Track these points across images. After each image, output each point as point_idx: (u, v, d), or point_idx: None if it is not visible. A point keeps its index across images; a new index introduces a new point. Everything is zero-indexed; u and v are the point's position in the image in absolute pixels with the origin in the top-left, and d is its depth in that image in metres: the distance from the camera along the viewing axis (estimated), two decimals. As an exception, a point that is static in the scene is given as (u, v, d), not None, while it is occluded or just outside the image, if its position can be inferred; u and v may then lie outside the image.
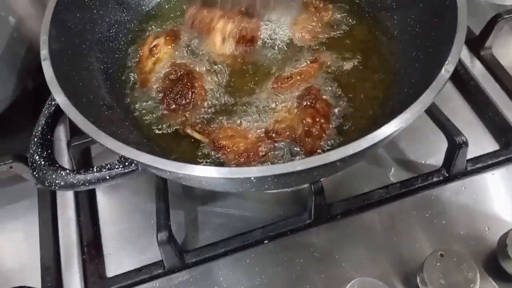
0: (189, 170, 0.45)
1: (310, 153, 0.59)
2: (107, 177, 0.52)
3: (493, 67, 0.78)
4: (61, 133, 0.78)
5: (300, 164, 0.44)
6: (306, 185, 0.65)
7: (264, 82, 0.68)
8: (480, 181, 0.67)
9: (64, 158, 0.75)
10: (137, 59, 0.73)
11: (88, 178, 0.52)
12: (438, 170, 0.68)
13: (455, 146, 0.64)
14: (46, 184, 0.52)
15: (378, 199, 0.66)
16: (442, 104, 0.69)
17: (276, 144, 0.60)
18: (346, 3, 0.77)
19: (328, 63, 0.69)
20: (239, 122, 0.64)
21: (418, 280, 0.55)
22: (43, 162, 0.52)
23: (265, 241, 0.64)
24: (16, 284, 0.60)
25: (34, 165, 0.53)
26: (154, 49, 0.71)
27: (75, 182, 0.52)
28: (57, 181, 0.51)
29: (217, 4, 0.71)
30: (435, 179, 0.67)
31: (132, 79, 0.71)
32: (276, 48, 0.72)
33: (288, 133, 0.60)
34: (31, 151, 0.54)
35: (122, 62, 0.73)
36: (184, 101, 0.66)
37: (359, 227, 0.64)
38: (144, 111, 0.67)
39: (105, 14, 0.72)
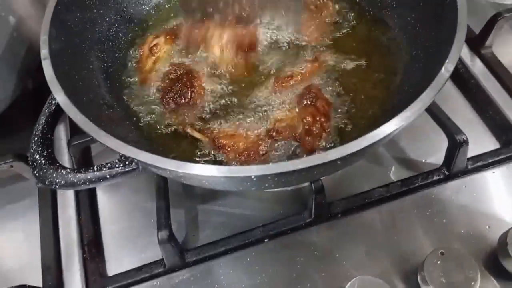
0: (189, 169, 0.45)
1: (310, 151, 0.59)
2: (108, 176, 0.52)
3: (494, 66, 0.78)
4: (61, 132, 0.78)
5: (300, 163, 0.44)
6: (306, 184, 0.65)
7: (265, 81, 0.68)
8: (480, 180, 0.67)
9: (64, 157, 0.75)
10: (137, 58, 0.73)
11: (89, 177, 0.52)
12: (439, 169, 0.68)
13: (456, 144, 0.64)
14: (46, 183, 0.52)
15: (378, 197, 0.66)
16: (442, 103, 0.69)
17: (276, 143, 0.60)
18: (346, 2, 0.77)
19: (329, 62, 0.68)
20: (239, 121, 0.64)
21: (418, 279, 0.55)
22: (43, 161, 0.52)
23: (266, 240, 0.64)
24: (17, 284, 0.60)
25: (35, 164, 0.53)
26: (154, 48, 0.71)
27: (75, 181, 0.52)
28: (57, 180, 0.51)
29: (213, 13, 0.70)
30: (435, 178, 0.67)
31: (132, 78, 0.71)
32: (276, 47, 0.72)
33: (288, 131, 0.60)
34: (31, 150, 0.54)
35: (122, 61, 0.73)
36: (183, 101, 0.66)
37: (359, 226, 0.64)
38: (143, 110, 0.67)
39: (105, 14, 0.72)
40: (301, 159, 0.44)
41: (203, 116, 0.65)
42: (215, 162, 0.61)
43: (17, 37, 0.73)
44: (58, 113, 0.58)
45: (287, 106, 0.64)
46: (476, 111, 0.75)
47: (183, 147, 0.63)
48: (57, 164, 0.53)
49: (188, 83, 0.66)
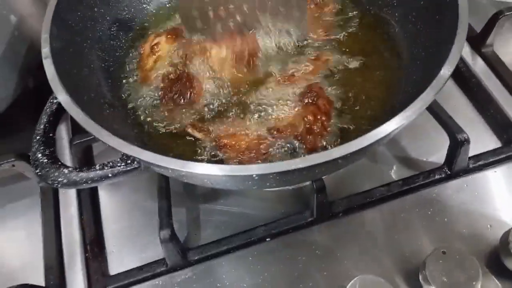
0: (191, 168, 0.45)
1: (311, 150, 0.59)
2: (110, 175, 0.52)
3: (495, 64, 0.78)
4: (62, 132, 0.78)
5: (301, 162, 0.44)
6: (308, 183, 0.65)
7: (266, 80, 0.68)
8: (482, 179, 0.67)
9: (66, 157, 0.75)
10: (138, 57, 0.73)
11: (91, 176, 0.52)
12: (440, 168, 0.68)
13: (457, 143, 0.64)
14: (48, 182, 0.52)
15: (380, 196, 0.66)
16: (443, 102, 0.69)
17: (277, 142, 0.60)
18: (347, 1, 0.77)
19: (330, 61, 0.68)
20: (240, 120, 0.64)
21: (420, 278, 0.55)
22: (45, 160, 0.52)
23: (267, 239, 0.64)
24: (19, 283, 0.60)
25: (37, 163, 0.53)
26: (155, 47, 0.71)
27: (77, 180, 0.52)
28: (59, 179, 0.51)
29: (214, 24, 0.69)
30: (437, 177, 0.67)
31: (133, 77, 0.71)
32: (278, 47, 0.72)
33: (289, 130, 0.60)
34: (33, 149, 0.54)
35: (123, 60, 0.73)
36: (183, 101, 0.66)
37: (361, 225, 0.64)
38: (144, 109, 0.67)
39: (106, 13, 0.72)
40: (302, 158, 0.44)
41: (204, 116, 0.65)
42: (215, 161, 0.61)
43: (18, 36, 0.73)
44: (59, 112, 0.58)
45: (288, 105, 0.64)
46: (477, 110, 0.75)
47: (183, 146, 0.63)
48: (59, 163, 0.53)
49: (187, 84, 0.66)
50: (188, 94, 0.66)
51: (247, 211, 0.68)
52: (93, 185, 0.54)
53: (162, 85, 0.68)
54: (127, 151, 0.48)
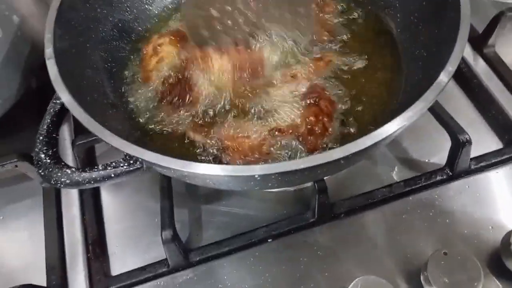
0: (193, 168, 0.45)
1: (312, 151, 0.59)
2: (112, 175, 0.52)
3: (496, 65, 0.78)
4: (65, 133, 0.78)
5: (303, 162, 0.44)
6: (309, 184, 0.66)
7: (268, 81, 0.67)
8: (483, 180, 0.67)
9: (69, 158, 0.75)
10: (141, 58, 0.73)
11: (94, 176, 0.52)
12: (442, 169, 0.68)
13: (459, 144, 0.64)
14: (51, 182, 0.52)
15: (381, 198, 0.66)
16: (445, 103, 0.69)
17: (279, 143, 0.60)
18: (349, 2, 0.77)
19: (332, 62, 0.68)
20: (242, 122, 0.64)
21: (421, 279, 0.55)
22: (48, 160, 0.53)
23: (269, 240, 0.64)
24: (21, 283, 0.60)
25: (40, 163, 0.53)
26: (159, 48, 0.71)
27: (80, 180, 0.52)
28: (62, 179, 0.52)
29: (221, 35, 0.68)
30: (438, 178, 0.67)
31: (136, 78, 0.71)
32: (280, 49, 0.72)
33: (291, 131, 0.60)
34: (36, 149, 0.54)
35: (126, 61, 0.73)
36: (182, 104, 0.66)
37: (362, 226, 0.64)
38: (146, 110, 0.67)
39: (109, 13, 0.72)
40: (305, 158, 0.44)
41: (205, 119, 0.65)
42: (217, 162, 0.61)
43: (21, 36, 0.73)
44: (62, 113, 0.58)
45: (290, 105, 0.64)
46: (479, 111, 0.75)
47: (185, 147, 0.63)
48: (62, 163, 0.53)
49: (187, 87, 0.66)
50: (188, 98, 0.66)
51: (249, 212, 0.68)
52: (96, 185, 0.54)
53: (161, 87, 0.68)
54: (130, 151, 0.48)
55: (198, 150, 0.62)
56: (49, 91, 0.56)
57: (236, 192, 0.70)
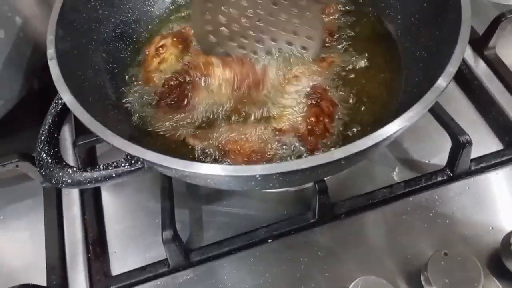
0: (195, 168, 0.45)
1: (312, 151, 0.59)
2: (114, 175, 0.52)
3: (497, 67, 0.78)
4: (66, 133, 0.78)
5: (304, 162, 0.44)
6: (310, 185, 0.66)
7: (269, 81, 0.68)
8: (484, 181, 0.67)
9: (70, 158, 0.75)
10: (142, 59, 0.73)
11: (95, 176, 0.52)
12: (442, 170, 0.68)
13: (459, 145, 0.64)
14: (53, 181, 0.52)
15: (382, 198, 0.66)
16: (445, 104, 0.69)
17: (280, 143, 0.60)
18: (350, 3, 0.77)
19: (335, 63, 0.69)
20: (243, 124, 0.64)
21: (422, 279, 0.55)
22: (50, 160, 0.53)
23: (269, 240, 0.64)
24: (22, 283, 0.60)
25: (41, 163, 0.53)
26: (161, 49, 0.71)
27: (81, 179, 0.52)
28: (64, 179, 0.52)
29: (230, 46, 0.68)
30: (439, 179, 0.67)
31: (137, 79, 0.71)
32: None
33: (292, 131, 0.61)
34: (38, 149, 0.54)
35: (127, 62, 0.74)
36: (183, 105, 0.66)
37: (363, 226, 0.64)
38: (147, 111, 0.68)
39: (110, 15, 0.73)
40: (305, 159, 0.44)
41: (205, 122, 0.65)
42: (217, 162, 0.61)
43: (23, 37, 0.73)
44: (64, 113, 0.59)
45: (292, 106, 0.64)
46: (479, 112, 0.75)
47: (186, 147, 0.63)
48: (64, 163, 0.53)
49: (186, 91, 0.66)
50: (187, 100, 0.66)
51: (249, 212, 0.68)
52: (97, 185, 0.54)
53: (160, 89, 0.68)
54: (132, 151, 0.48)
55: (198, 152, 0.62)
56: (51, 92, 0.57)
57: (237, 192, 0.70)
